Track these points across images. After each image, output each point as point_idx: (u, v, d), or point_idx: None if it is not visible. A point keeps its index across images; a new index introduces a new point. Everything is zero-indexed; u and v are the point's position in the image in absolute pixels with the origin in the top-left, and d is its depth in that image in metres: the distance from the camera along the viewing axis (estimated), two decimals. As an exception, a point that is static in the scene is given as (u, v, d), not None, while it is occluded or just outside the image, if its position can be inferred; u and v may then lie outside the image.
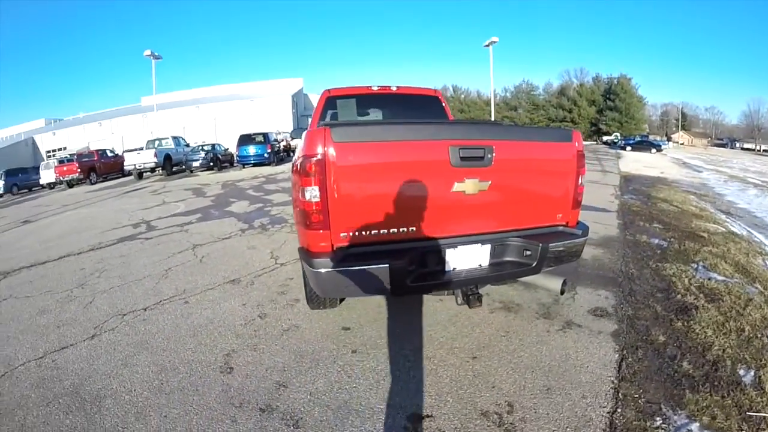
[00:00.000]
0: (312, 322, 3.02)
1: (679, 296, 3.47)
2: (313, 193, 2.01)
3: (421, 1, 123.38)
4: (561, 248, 2.48)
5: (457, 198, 2.23)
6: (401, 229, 2.17)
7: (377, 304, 3.25)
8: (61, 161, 21.81)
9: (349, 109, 4.34)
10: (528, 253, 2.42)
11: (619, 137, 43.22)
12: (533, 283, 2.94)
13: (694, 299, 3.39)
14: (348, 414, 2.05)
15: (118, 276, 4.70)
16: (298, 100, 45.94)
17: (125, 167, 20.22)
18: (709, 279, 3.93)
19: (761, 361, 2.51)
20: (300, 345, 2.71)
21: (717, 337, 2.77)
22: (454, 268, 2.34)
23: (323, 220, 2.05)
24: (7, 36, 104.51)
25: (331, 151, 1.99)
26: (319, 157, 1.99)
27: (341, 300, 3.20)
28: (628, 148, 35.34)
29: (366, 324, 2.95)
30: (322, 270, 2.04)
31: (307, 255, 2.14)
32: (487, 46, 25.10)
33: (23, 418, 2.25)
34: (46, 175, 21.45)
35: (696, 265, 4.38)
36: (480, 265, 2.39)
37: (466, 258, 2.35)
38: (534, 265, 2.40)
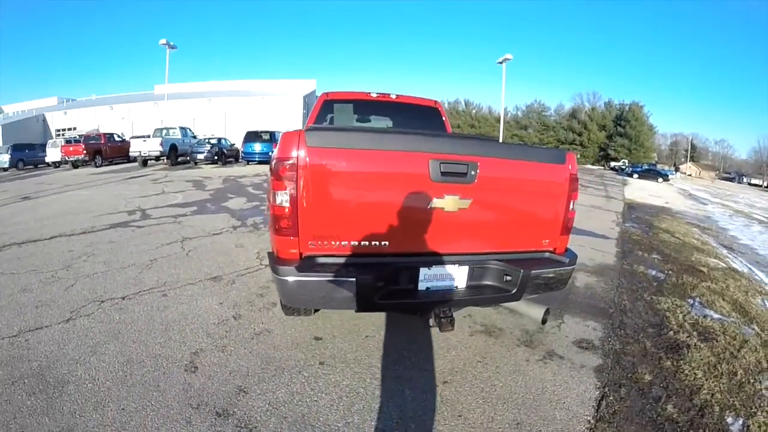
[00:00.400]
0: (285, 329, 3.06)
1: (671, 333, 3.42)
2: (283, 198, 1.99)
3: (439, 13, 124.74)
4: (544, 276, 2.40)
5: (435, 215, 2.16)
6: (373, 243, 2.12)
7: (354, 316, 3.27)
8: (68, 141, 22.21)
9: (346, 114, 4.37)
10: (508, 278, 2.33)
11: (627, 164, 43.52)
12: (515, 310, 2.95)
13: (687, 337, 3.35)
14: (304, 428, 2.04)
15: (104, 262, 4.77)
16: (310, 101, 46.32)
17: (130, 153, 20.45)
18: (705, 316, 3.88)
19: (752, 408, 2.45)
20: (268, 351, 2.74)
21: (707, 380, 2.71)
22: (427, 288, 2.27)
23: (292, 226, 2.02)
24: (26, 12, 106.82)
25: (305, 156, 1.96)
26: (291, 161, 1.96)
27: (316, 309, 3.21)
28: (635, 175, 35.61)
29: (339, 336, 2.97)
30: (287, 278, 2.02)
31: (273, 261, 2.11)
32: (501, 63, 25.28)
33: None
34: (53, 154, 21.80)
35: (692, 301, 4.34)
36: (456, 287, 2.32)
37: (441, 278, 2.28)
38: (514, 291, 2.31)
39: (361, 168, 2.07)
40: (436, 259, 2.26)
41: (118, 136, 23.73)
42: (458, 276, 2.31)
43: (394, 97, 4.44)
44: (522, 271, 2.27)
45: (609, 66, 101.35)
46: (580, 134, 51.40)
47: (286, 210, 2.01)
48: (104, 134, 22.74)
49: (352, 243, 2.10)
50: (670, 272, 5.44)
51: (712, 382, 2.69)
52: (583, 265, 4.96)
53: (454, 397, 2.36)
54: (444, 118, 4.59)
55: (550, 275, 2.41)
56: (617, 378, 2.67)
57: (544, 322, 2.87)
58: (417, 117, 4.53)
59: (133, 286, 4.00)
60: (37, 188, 12.98)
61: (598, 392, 2.48)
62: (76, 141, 21.48)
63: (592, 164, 49.13)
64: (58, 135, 34.64)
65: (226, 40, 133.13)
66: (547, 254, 2.53)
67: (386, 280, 2.16)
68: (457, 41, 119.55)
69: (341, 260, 2.12)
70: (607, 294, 4.20)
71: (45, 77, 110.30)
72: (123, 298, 3.69)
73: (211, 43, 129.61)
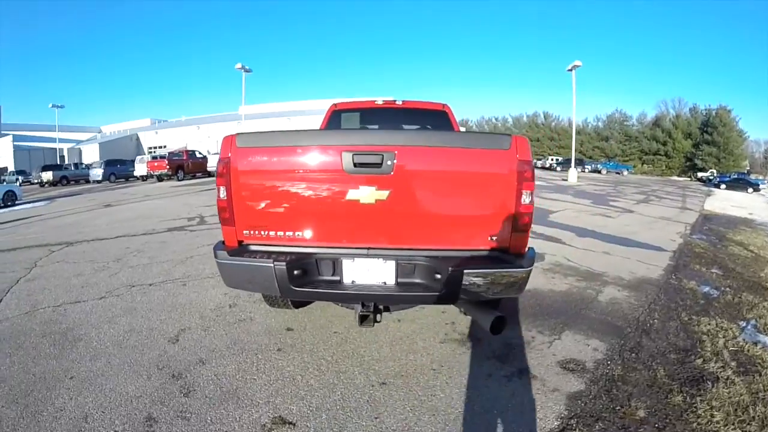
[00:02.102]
0: (266, 318, 3.54)
1: (699, 361, 3.00)
2: (222, 192, 2.39)
3: (513, 25, 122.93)
4: (483, 277, 2.24)
5: (353, 207, 2.27)
6: (296, 233, 2.37)
7: (333, 313, 3.63)
8: (154, 157, 25.99)
9: (353, 122, 4.78)
10: (438, 276, 2.28)
11: (715, 174, 38.93)
12: (470, 314, 2.87)
13: (720, 368, 2.90)
14: (229, 398, 2.39)
15: (149, 257, 5.75)
16: None
17: (208, 168, 23.24)
18: (756, 343, 3.36)
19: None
20: (241, 335, 3.24)
21: (726, 426, 2.24)
22: (353, 281, 2.37)
23: (229, 218, 2.40)
24: (125, 42, 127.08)
25: (235, 156, 2.33)
26: (226, 160, 2.35)
27: (300, 304, 3.64)
28: (722, 185, 31.89)
29: (310, 329, 3.35)
30: (220, 261, 2.40)
31: (216, 247, 2.48)
32: (570, 70, 24.87)
33: (22, 342, 3.14)
34: (140, 168, 25.77)
35: (744, 324, 3.82)
36: (384, 282, 2.35)
37: (367, 273, 2.36)
38: (443, 292, 2.24)
39: (282, 164, 2.34)
40: (359, 252, 2.36)
41: (199, 153, 27.12)
42: (385, 271, 2.35)
43: (400, 103, 4.68)
44: (450, 269, 2.20)
45: (694, 69, 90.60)
46: (664, 143, 47.43)
47: (225, 202, 2.40)
48: (186, 151, 26.21)
49: (278, 233, 2.39)
50: (726, 289, 4.89)
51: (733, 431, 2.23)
52: (618, 279, 4.75)
53: (383, 399, 2.41)
54: (452, 119, 4.67)
55: (490, 277, 2.26)
56: (597, 410, 2.36)
57: (495, 331, 2.68)
58: (425, 121, 4.73)
59: (162, 276, 4.82)
60: (120, 197, 15.47)
61: (558, 423, 2.24)
62: (162, 157, 24.96)
63: (678, 175, 44.58)
64: (150, 152, 40.21)
65: (306, 60, 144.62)
66: (494, 253, 2.38)
67: (305, 269, 2.35)
68: (534, 53, 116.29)
69: (267, 248, 2.42)
70: (632, 311, 3.91)
71: (140, 101, 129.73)
72: (150, 285, 4.50)
73: (294, 64, 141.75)
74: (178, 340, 3.15)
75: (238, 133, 2.42)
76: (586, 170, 39.70)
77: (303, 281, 2.35)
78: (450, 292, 2.25)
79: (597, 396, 2.50)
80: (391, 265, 2.34)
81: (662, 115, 50.86)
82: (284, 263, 2.25)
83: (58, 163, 35.37)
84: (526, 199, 2.30)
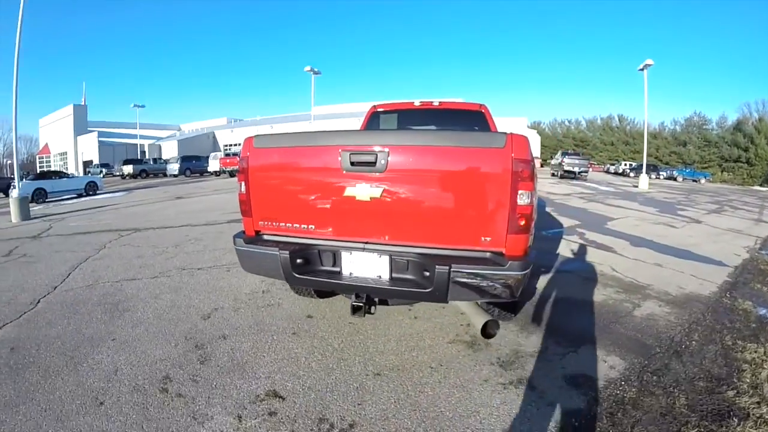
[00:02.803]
0: (292, 305, 3.79)
1: (731, 393, 2.67)
2: (242, 187, 2.72)
3: (586, 23, 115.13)
4: (471, 277, 2.26)
5: (350, 203, 2.44)
6: (302, 226, 2.61)
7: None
8: (227, 154, 28.06)
9: (391, 124, 4.95)
10: (427, 274, 2.35)
11: None
12: (467, 314, 2.88)
13: (754, 404, 2.54)
14: (236, 370, 2.67)
15: (204, 245, 6.34)
16: None
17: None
18: None
19: None
20: (265, 317, 3.51)
21: None
22: (350, 273, 2.54)
23: (248, 210, 2.74)
24: (205, 46, 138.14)
25: (252, 156, 2.66)
26: (245, 159, 2.69)
27: (325, 294, 3.85)
28: None
29: (329, 318, 3.51)
30: (237, 248, 2.75)
31: (236, 235, 2.83)
32: (642, 69, 23.24)
33: (80, 309, 3.70)
34: (213, 164, 28.01)
35: None
36: (379, 276, 2.49)
37: (363, 266, 2.51)
38: (431, 289, 2.31)
39: (291, 162, 2.63)
40: (356, 246, 2.52)
41: (268, 151, 28.82)
42: (380, 266, 2.48)
43: (437, 104, 4.81)
44: (436, 267, 2.26)
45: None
46: (746, 150, 41.80)
47: (244, 196, 2.73)
48: (256, 149, 27.96)
49: (287, 225, 2.65)
50: (789, 314, 4.38)
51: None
52: (662, 293, 4.38)
53: (371, 388, 2.52)
54: (488, 119, 4.69)
55: (479, 278, 2.26)
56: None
57: (487, 335, 2.69)
58: (461, 122, 4.76)
59: (211, 262, 5.31)
60: (192, 191, 17.00)
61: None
62: (234, 154, 26.96)
63: (761, 185, 38.95)
64: (225, 149, 43.46)
65: (378, 61, 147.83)
66: (486, 254, 2.38)
67: (307, 259, 2.58)
68: (609, 53, 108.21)
69: (277, 238, 2.71)
70: (668, 330, 3.57)
71: (218, 101, 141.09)
72: (198, 269, 4.99)
73: (366, 66, 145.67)
74: (210, 317, 3.50)
75: (255, 135, 2.73)
76: (661, 177, 37.06)
77: (305, 270, 2.58)
78: (438, 291, 2.30)
79: (596, 417, 2.30)
80: (386, 260, 2.46)
81: (744, 118, 45.68)
82: (288, 252, 2.50)
83: (139, 157, 39.70)
84: (523, 199, 2.26)
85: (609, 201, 13.46)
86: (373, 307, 2.65)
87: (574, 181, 23.64)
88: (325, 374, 2.64)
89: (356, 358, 2.86)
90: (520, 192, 2.25)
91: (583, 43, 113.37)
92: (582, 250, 6.10)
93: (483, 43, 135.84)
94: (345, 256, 2.53)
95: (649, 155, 35.36)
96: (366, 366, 2.76)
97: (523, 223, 2.30)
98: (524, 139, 2.31)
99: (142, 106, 46.51)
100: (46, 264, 5.40)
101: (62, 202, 15.43)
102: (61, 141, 54.75)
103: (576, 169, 25.79)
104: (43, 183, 17.29)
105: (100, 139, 49.63)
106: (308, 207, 2.58)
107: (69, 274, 4.83)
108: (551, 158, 35.11)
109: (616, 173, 38.48)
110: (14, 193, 11.29)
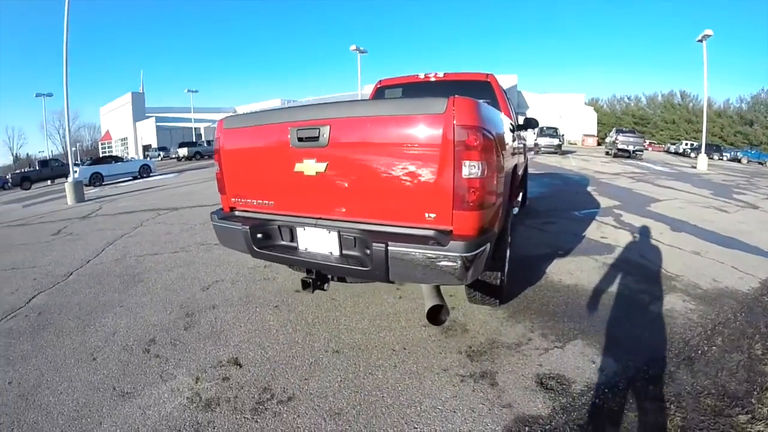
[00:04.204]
0: (285, 280, 4.09)
1: (744, 417, 2.20)
2: (217, 167, 2.99)
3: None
4: (407, 256, 2.15)
5: (300, 179, 2.51)
6: (264, 202, 2.78)
7: (346, 285, 3.99)
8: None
9: (396, 97, 4.87)
10: (368, 252, 2.30)
11: None
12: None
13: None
14: (211, 337, 2.97)
15: (228, 223, 6.80)
16: (511, 95, 46.64)
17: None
18: None
19: None
20: (257, 291, 3.83)
21: None
22: (306, 249, 2.63)
23: (222, 188, 2.98)
24: (257, 31, 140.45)
25: (223, 136, 2.89)
26: (217, 140, 2.93)
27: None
28: None
29: (317, 295, 3.64)
30: (213, 223, 2.98)
31: (213, 211, 3.08)
32: (700, 40, 21.12)
33: (103, 280, 4.23)
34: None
35: None
36: (330, 252, 2.53)
37: (316, 242, 2.58)
38: (370, 268, 2.28)
39: (252, 141, 2.78)
40: (308, 221, 2.59)
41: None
42: (330, 242, 2.52)
43: (441, 75, 4.74)
44: (373, 244, 2.20)
45: None
46: None
47: (219, 174, 2.97)
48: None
49: (253, 201, 2.84)
50: None
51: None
52: (691, 286, 3.93)
53: (325, 365, 2.60)
54: (496, 90, 4.52)
55: (414, 256, 2.14)
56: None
57: (435, 321, 2.66)
58: (467, 92, 4.59)
59: (228, 239, 5.75)
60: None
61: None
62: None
63: None
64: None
65: (425, 38, 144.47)
66: (428, 232, 2.25)
67: (267, 233, 2.72)
68: (671, 27, 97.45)
69: (244, 214, 2.91)
70: (686, 330, 3.09)
71: (272, 82, 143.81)
72: (215, 244, 5.43)
73: (410, 43, 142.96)
74: (209, 288, 3.89)
75: (226, 117, 2.95)
76: (724, 158, 33.93)
77: (265, 244, 2.73)
78: (377, 269, 2.24)
79: (558, 428, 2.03)
80: (335, 236, 2.48)
81: (814, 96, 40.64)
82: (248, 227, 2.69)
83: (194, 140, 42.30)
84: (470, 171, 2.10)
85: (659, 181, 12.62)
86: (326, 284, 2.75)
87: (628, 161, 22.23)
88: (288, 347, 2.84)
89: (323, 333, 3.01)
90: (465, 162, 2.10)
91: (645, 14, 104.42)
92: (611, 233, 5.81)
93: (540, 19, 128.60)
94: (300, 231, 2.62)
95: (712, 135, 32.57)
96: (329, 342, 2.88)
97: (473, 198, 2.14)
98: (471, 103, 2.15)
99: (196, 91, 49.08)
100: (85, 241, 6.14)
101: (119, 185, 16.91)
102: (122, 127, 59.18)
103: (630, 148, 24.24)
104: (100, 167, 19.08)
105: (158, 124, 53.08)
106: (268, 183, 2.74)
107: (103, 250, 5.48)
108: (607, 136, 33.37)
109: (676, 153, 35.92)
110: (70, 177, 12.65)
